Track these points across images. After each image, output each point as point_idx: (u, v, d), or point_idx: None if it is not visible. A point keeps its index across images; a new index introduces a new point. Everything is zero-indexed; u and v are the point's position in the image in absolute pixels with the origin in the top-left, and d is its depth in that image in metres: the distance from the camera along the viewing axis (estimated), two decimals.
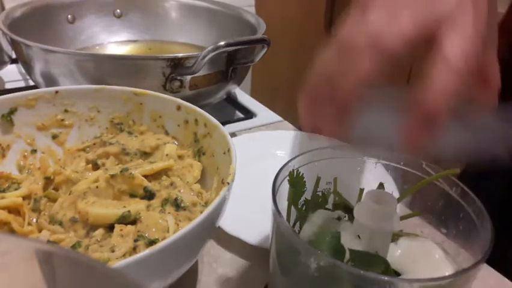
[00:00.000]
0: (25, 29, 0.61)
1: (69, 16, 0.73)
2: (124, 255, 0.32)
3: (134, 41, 0.79)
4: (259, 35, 0.61)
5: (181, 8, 0.80)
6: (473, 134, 0.29)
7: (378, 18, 0.27)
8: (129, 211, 0.35)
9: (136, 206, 0.36)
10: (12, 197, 0.37)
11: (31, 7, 0.67)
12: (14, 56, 0.66)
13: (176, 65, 0.52)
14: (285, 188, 0.32)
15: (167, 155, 0.43)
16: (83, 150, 0.46)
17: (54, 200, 0.38)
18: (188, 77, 0.54)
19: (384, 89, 0.27)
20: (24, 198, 0.38)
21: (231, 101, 0.72)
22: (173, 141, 0.45)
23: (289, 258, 0.28)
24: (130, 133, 0.46)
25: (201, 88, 0.56)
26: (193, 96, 0.56)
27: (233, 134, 0.62)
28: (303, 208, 0.33)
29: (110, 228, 0.35)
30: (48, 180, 0.40)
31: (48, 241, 0.35)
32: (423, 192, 0.31)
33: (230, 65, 0.58)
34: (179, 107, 0.44)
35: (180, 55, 0.52)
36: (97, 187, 0.37)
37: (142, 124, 0.47)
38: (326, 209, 0.33)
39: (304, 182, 0.32)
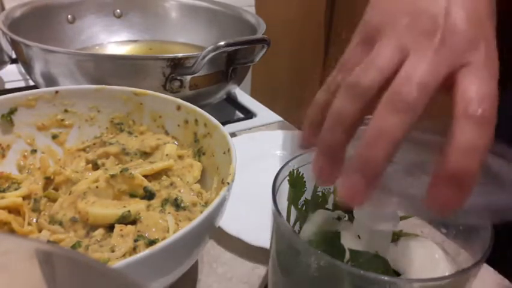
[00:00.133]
0: (25, 29, 0.61)
1: (69, 16, 0.73)
2: (124, 255, 0.32)
3: (134, 41, 0.79)
4: (259, 35, 0.61)
5: (181, 8, 0.80)
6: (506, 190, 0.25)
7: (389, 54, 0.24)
8: (129, 211, 0.35)
9: (136, 206, 0.36)
10: (12, 197, 0.37)
11: (31, 7, 0.67)
12: (14, 56, 0.66)
13: (176, 65, 0.52)
14: (285, 188, 0.32)
15: (167, 155, 0.43)
16: (83, 150, 0.46)
17: (54, 200, 0.38)
18: (188, 77, 0.54)
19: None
20: (24, 198, 0.38)
21: (231, 101, 0.72)
22: (173, 141, 0.45)
23: (289, 258, 0.28)
24: (130, 133, 0.46)
25: (201, 88, 0.56)
26: (193, 96, 0.56)
27: (233, 134, 0.62)
28: (303, 208, 0.33)
29: (110, 228, 0.35)
30: (48, 180, 0.40)
31: (48, 241, 0.35)
32: None
33: (230, 65, 0.58)
34: (179, 107, 0.44)
35: (180, 55, 0.52)
36: (97, 187, 0.37)
37: (142, 124, 0.47)
38: (326, 209, 0.33)
39: (304, 182, 0.32)
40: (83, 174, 0.40)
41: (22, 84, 0.72)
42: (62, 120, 0.45)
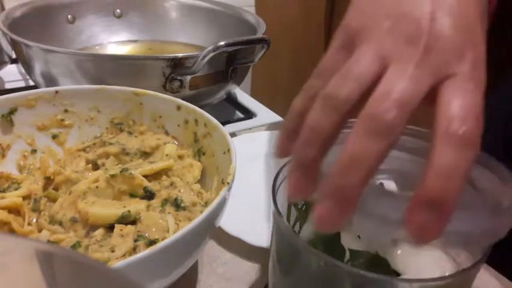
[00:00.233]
0: (25, 29, 0.61)
1: (69, 16, 0.73)
2: (124, 255, 0.32)
3: (135, 41, 0.79)
4: (259, 35, 0.61)
5: (181, 8, 0.80)
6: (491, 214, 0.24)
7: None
8: (129, 211, 0.35)
9: (136, 206, 0.36)
10: (12, 197, 0.37)
11: (31, 7, 0.67)
12: (14, 56, 0.66)
13: (176, 65, 0.52)
14: (285, 188, 0.31)
15: (167, 155, 0.43)
16: (83, 150, 0.46)
17: (54, 200, 0.38)
18: (188, 77, 0.54)
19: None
20: (24, 198, 0.38)
21: (231, 101, 0.72)
22: (173, 141, 0.45)
23: (289, 258, 0.28)
24: (130, 133, 0.46)
25: (201, 88, 0.56)
26: (193, 96, 0.56)
27: (233, 134, 0.62)
28: (303, 208, 0.33)
29: (110, 228, 0.35)
30: (48, 180, 0.40)
31: (48, 241, 0.35)
32: None
33: (230, 65, 0.58)
34: (179, 107, 0.44)
35: (180, 55, 0.52)
36: (97, 187, 0.37)
37: (142, 124, 0.47)
38: None
39: None
40: (83, 174, 0.40)
41: (22, 84, 0.72)
42: (62, 120, 0.45)
